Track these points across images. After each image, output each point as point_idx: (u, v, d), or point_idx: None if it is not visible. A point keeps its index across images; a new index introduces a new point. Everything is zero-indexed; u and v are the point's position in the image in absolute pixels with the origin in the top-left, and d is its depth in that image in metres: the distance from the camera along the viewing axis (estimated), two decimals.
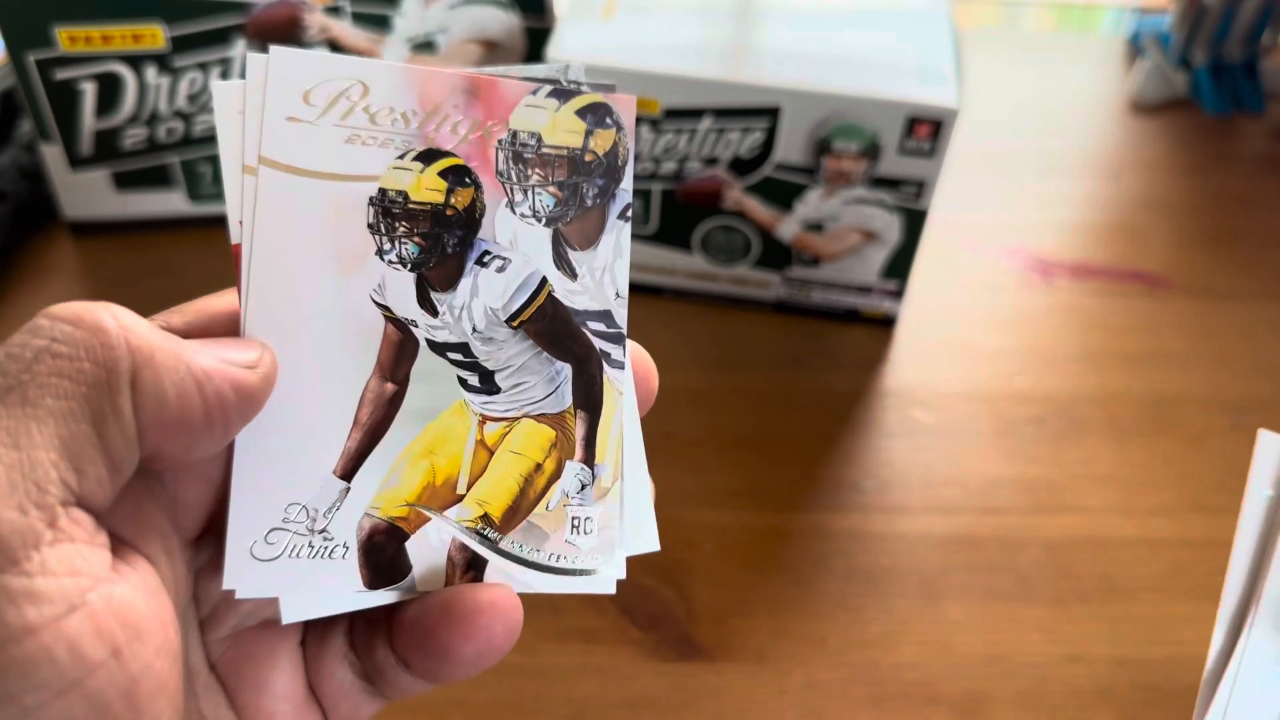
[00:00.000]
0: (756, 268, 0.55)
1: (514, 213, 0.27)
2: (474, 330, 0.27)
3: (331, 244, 0.26)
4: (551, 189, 0.27)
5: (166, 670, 0.22)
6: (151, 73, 0.54)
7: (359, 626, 0.27)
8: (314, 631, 0.28)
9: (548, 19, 0.57)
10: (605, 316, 0.28)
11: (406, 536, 0.27)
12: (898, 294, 0.56)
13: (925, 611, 0.45)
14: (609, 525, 0.27)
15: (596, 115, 0.27)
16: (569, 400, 0.28)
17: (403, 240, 0.26)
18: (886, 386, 0.54)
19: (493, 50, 0.57)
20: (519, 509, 0.27)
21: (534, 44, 0.57)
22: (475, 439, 0.27)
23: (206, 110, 0.56)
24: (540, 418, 0.28)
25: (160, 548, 0.24)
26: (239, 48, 0.54)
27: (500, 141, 0.27)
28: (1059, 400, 0.54)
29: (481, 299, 0.27)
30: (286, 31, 0.54)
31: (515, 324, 0.27)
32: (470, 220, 0.27)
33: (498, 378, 0.28)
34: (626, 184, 0.28)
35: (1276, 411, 0.54)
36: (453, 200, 0.27)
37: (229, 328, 0.25)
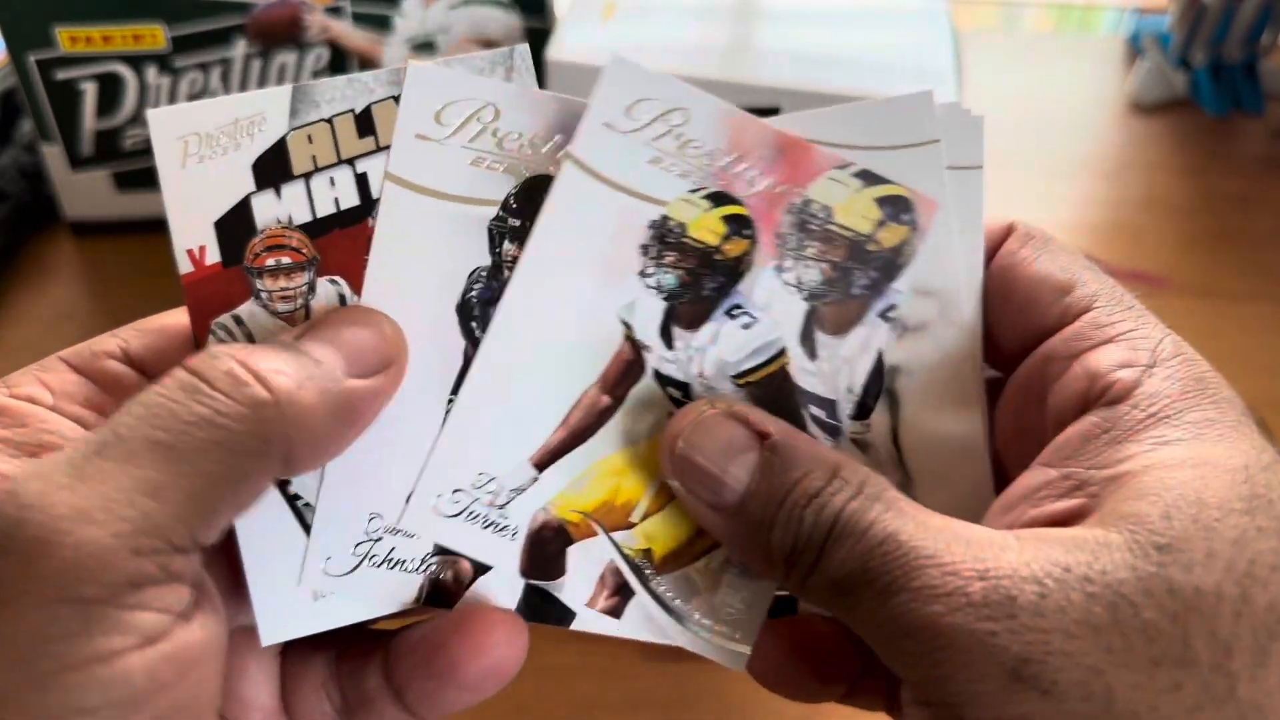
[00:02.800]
0: None
1: (778, 277, 0.27)
2: (700, 374, 0.27)
3: (603, 253, 0.27)
4: (824, 266, 0.27)
5: (216, 688, 0.24)
6: (152, 73, 0.54)
7: (350, 653, 0.28)
8: (297, 651, 0.28)
9: (548, 19, 0.57)
10: (830, 405, 0.28)
11: (571, 542, 0.27)
12: None
13: None
14: (755, 606, 0.27)
15: (895, 208, 0.27)
16: None
17: (667, 269, 0.27)
18: None
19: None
20: (681, 556, 0.27)
21: (534, 44, 0.56)
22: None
23: None
24: None
25: (209, 579, 0.25)
26: (239, 47, 0.54)
27: (790, 205, 0.27)
28: None
29: (718, 348, 0.27)
30: (287, 32, 0.54)
31: (741, 382, 0.27)
32: (734, 271, 0.27)
33: None
34: (901, 285, 0.27)
35: (1277, 411, 0.54)
36: (725, 247, 0.27)
37: (187, 341, 0.26)
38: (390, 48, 0.56)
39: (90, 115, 0.55)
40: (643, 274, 0.27)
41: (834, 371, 0.27)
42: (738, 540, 0.25)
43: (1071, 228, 0.65)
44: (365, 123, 0.26)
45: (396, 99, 0.26)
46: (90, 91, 0.54)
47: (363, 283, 0.26)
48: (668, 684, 0.42)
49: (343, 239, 0.26)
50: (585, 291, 0.27)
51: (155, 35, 0.53)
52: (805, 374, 0.27)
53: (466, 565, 0.27)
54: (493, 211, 0.26)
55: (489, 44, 0.57)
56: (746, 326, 0.27)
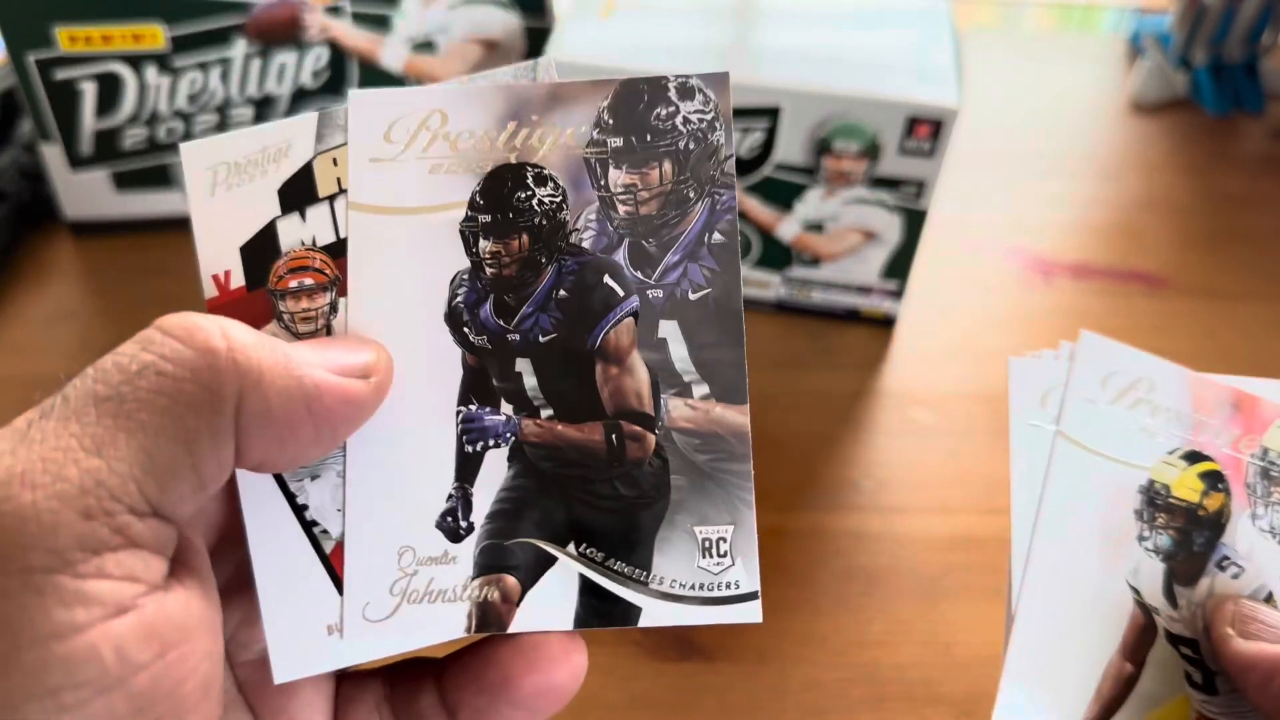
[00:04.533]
0: (757, 268, 0.55)
1: (1254, 524, 0.29)
2: (1204, 628, 0.29)
3: (1103, 521, 0.29)
4: None
5: (212, 673, 0.22)
6: (152, 73, 0.54)
7: (404, 673, 0.27)
8: (350, 672, 0.27)
9: (548, 19, 0.57)
10: (1192, 644, 0.30)
11: None
12: (897, 294, 0.56)
13: (925, 611, 0.45)
14: None
15: None
16: None
17: (1160, 530, 0.29)
18: (886, 386, 0.54)
19: (493, 50, 0.57)
20: None
21: (534, 44, 0.57)
22: None
23: (207, 110, 0.56)
24: None
25: (205, 557, 0.24)
26: (239, 47, 0.54)
27: (1252, 455, 0.29)
28: None
29: (1215, 600, 0.29)
30: (286, 31, 0.54)
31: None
32: (1217, 524, 0.29)
33: (1218, 680, 0.29)
34: None
35: None
36: (1205, 502, 0.29)
37: None
38: (390, 47, 0.55)
39: (90, 115, 0.54)
40: (1140, 538, 0.29)
41: (1192, 616, 0.30)
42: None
43: (1071, 228, 0.65)
44: None
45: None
46: (90, 91, 0.54)
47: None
48: (668, 684, 0.42)
49: None
50: (1092, 561, 0.29)
51: (155, 35, 0.53)
52: (1173, 621, 0.30)
53: (513, 581, 0.26)
54: (461, 213, 0.26)
55: (489, 44, 0.57)
56: (1235, 576, 0.29)
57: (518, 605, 0.26)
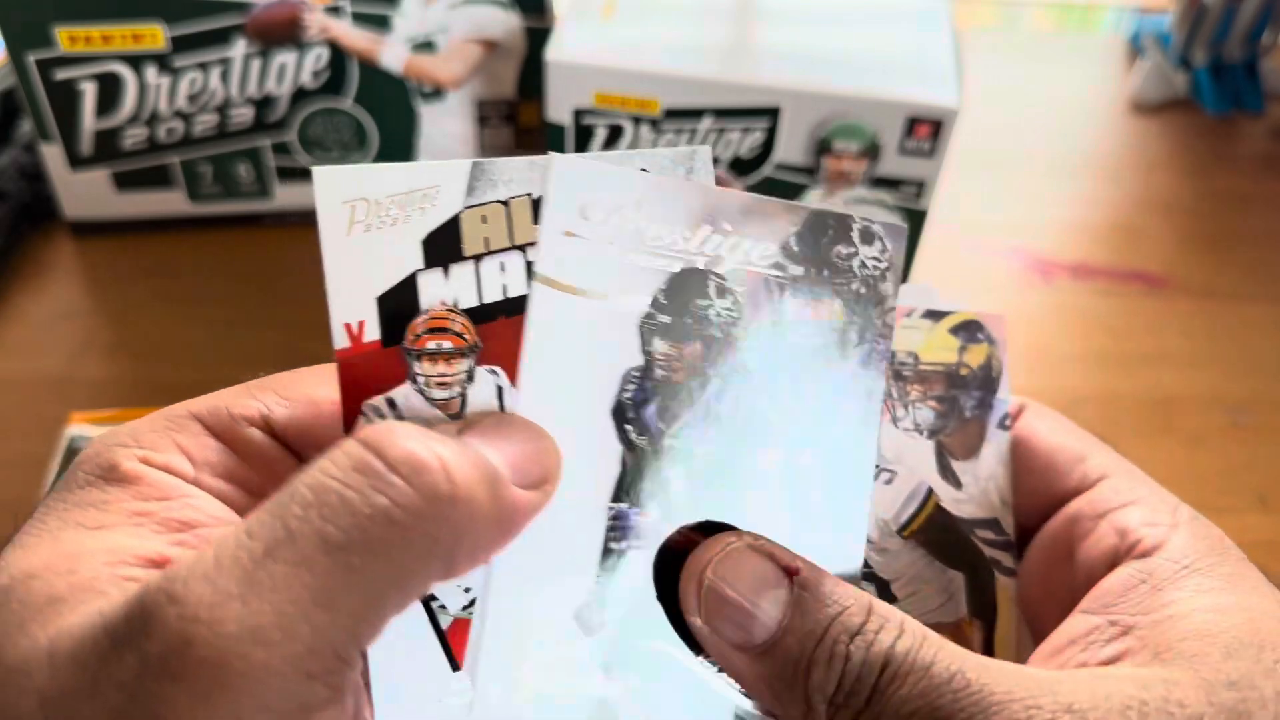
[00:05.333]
0: None
1: (897, 427, 0.29)
2: (874, 540, 0.28)
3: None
4: (931, 403, 0.29)
5: None
6: (151, 73, 0.54)
7: None
8: None
9: (548, 19, 0.57)
10: (992, 524, 0.29)
11: None
12: None
13: None
14: None
15: (969, 332, 0.29)
16: (964, 609, 0.29)
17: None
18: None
19: (493, 50, 0.57)
20: None
21: (534, 44, 0.57)
22: None
23: (206, 110, 0.56)
24: (937, 626, 0.27)
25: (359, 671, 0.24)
26: (239, 47, 0.54)
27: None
28: (1059, 400, 0.54)
29: (877, 509, 0.29)
30: (286, 31, 0.54)
31: (907, 534, 0.28)
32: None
33: (893, 587, 0.28)
34: (1003, 393, 0.29)
35: (1276, 411, 0.54)
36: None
37: (334, 417, 0.25)
38: (390, 47, 0.56)
39: (90, 115, 0.54)
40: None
41: (982, 491, 0.29)
42: (767, 684, 0.23)
43: (1071, 228, 0.65)
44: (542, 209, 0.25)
45: None
46: (90, 91, 0.54)
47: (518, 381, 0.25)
48: None
49: (506, 328, 0.25)
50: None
51: (155, 35, 0.53)
52: (959, 503, 0.29)
53: (639, 682, 0.26)
54: (642, 308, 0.25)
55: (489, 44, 0.57)
56: (889, 482, 0.29)
57: (635, 709, 0.26)
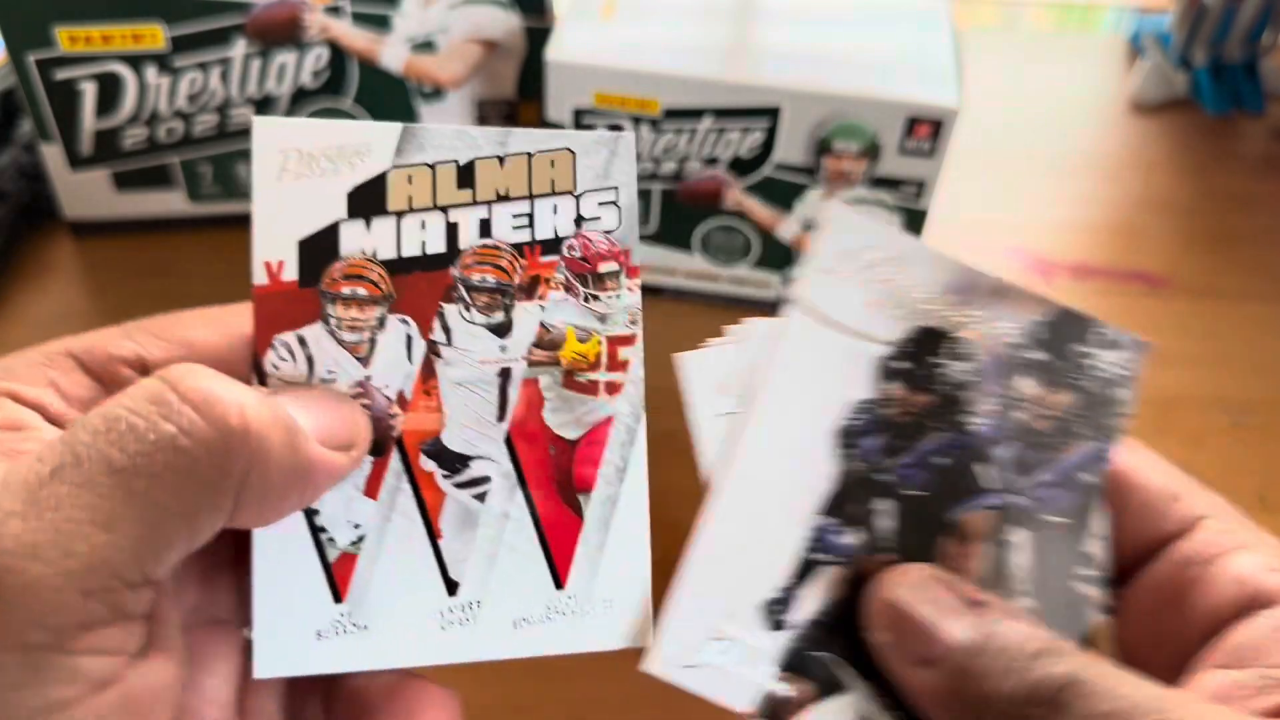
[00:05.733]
0: (757, 268, 0.55)
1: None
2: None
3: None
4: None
5: None
6: (151, 73, 0.54)
7: (299, 681, 0.28)
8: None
9: (548, 19, 0.57)
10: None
11: None
12: None
13: None
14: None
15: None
16: None
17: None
18: None
19: (493, 50, 0.57)
20: None
21: (534, 44, 0.57)
22: None
23: (206, 110, 0.56)
24: None
25: (173, 604, 0.24)
26: (239, 47, 0.54)
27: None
28: None
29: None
30: (286, 31, 0.54)
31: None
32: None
33: None
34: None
35: (1277, 411, 0.54)
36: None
37: (209, 361, 0.25)
38: (390, 47, 0.55)
39: (90, 115, 0.54)
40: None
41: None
42: (944, 693, 0.25)
43: (1071, 228, 0.65)
44: (466, 175, 0.27)
45: (501, 159, 0.27)
46: (90, 91, 0.54)
47: (431, 327, 0.27)
48: (668, 684, 0.42)
49: (421, 281, 0.27)
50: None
51: (155, 35, 0.53)
52: None
53: (810, 689, 0.28)
54: (883, 350, 0.28)
55: (489, 44, 0.57)
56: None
57: (801, 713, 0.28)
